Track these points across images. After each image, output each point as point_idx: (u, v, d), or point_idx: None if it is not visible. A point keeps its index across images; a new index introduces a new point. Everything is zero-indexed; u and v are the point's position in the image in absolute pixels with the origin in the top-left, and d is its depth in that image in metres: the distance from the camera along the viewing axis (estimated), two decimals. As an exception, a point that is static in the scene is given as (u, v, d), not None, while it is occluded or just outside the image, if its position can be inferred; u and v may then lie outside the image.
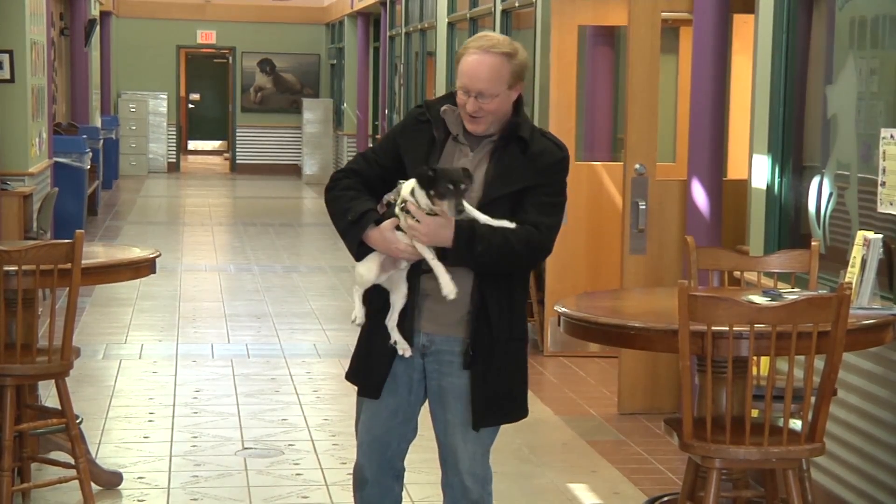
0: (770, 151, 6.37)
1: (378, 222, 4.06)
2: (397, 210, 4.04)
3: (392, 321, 4.13)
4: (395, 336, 4.13)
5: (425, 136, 4.11)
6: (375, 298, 4.15)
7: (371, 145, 4.17)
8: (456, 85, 4.05)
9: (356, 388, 4.25)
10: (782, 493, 4.54)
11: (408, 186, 4.03)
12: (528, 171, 4.04)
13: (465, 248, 3.96)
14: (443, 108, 4.10)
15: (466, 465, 4.14)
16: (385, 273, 4.11)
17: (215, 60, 32.72)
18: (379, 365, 4.14)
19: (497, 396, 4.11)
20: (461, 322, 4.09)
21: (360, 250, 4.08)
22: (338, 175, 4.21)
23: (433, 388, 4.16)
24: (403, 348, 4.13)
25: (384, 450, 4.18)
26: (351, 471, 4.31)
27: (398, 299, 4.12)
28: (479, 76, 3.98)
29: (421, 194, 3.98)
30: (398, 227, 4.03)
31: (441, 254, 4.01)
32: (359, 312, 4.19)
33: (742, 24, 8.38)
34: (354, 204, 4.09)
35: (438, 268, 4.01)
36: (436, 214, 3.97)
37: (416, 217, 3.99)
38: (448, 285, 4.00)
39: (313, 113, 26.70)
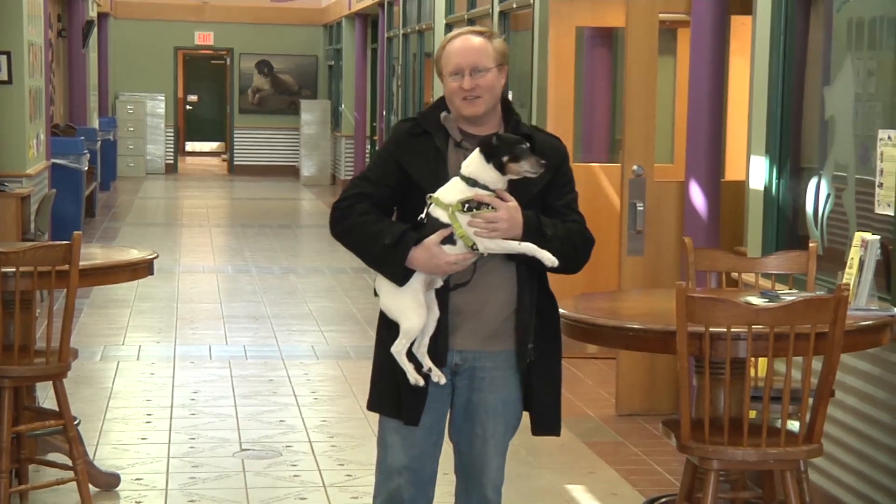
0: (768, 153, 6.37)
1: (417, 241, 3.88)
2: (456, 214, 3.82)
3: (423, 348, 3.94)
4: (428, 363, 3.94)
5: (427, 148, 3.98)
6: (382, 325, 4.03)
7: (365, 170, 4.19)
8: (446, 73, 3.97)
9: (379, 414, 4.11)
10: (780, 494, 4.54)
11: (451, 192, 3.85)
12: (544, 169, 3.95)
13: (537, 233, 3.85)
14: (442, 115, 4.01)
15: (492, 477, 4.11)
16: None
17: (213, 62, 32.70)
18: (415, 394, 3.97)
19: (556, 402, 4.11)
20: (496, 334, 3.99)
21: (405, 274, 3.88)
22: (345, 202, 3.98)
23: (460, 402, 4.07)
24: (439, 376, 3.95)
25: (420, 471, 4.08)
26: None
27: (430, 322, 3.94)
28: (470, 50, 3.93)
29: (492, 175, 3.82)
30: (444, 242, 3.85)
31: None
32: (415, 372, 3.94)
33: (740, 26, 8.38)
34: (384, 226, 3.91)
35: (530, 247, 3.84)
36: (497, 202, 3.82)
37: (490, 208, 3.80)
38: (548, 255, 3.84)
39: (311, 114, 26.69)
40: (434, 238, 3.85)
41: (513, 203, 3.84)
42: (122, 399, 7.92)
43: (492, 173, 3.83)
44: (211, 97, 33.54)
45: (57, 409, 5.59)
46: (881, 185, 5.25)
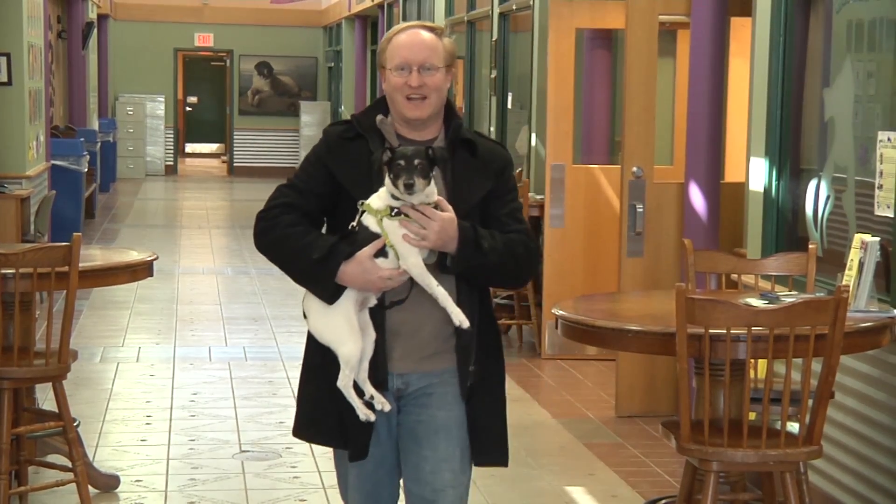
0: (767, 154, 6.37)
1: (348, 255, 3.55)
2: (383, 221, 3.52)
3: (364, 373, 3.61)
4: (370, 390, 3.61)
5: (360, 153, 3.64)
6: (315, 349, 3.69)
7: (292, 177, 3.83)
8: (389, 67, 3.67)
9: (320, 445, 3.88)
10: (780, 496, 4.54)
11: (381, 198, 3.55)
12: (485, 177, 3.67)
13: (472, 247, 3.54)
14: (378, 119, 3.69)
15: None
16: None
17: (213, 63, 32.70)
18: (360, 426, 3.64)
19: (501, 427, 3.77)
20: (436, 355, 3.67)
21: (335, 291, 3.55)
22: (270, 213, 3.66)
23: (407, 426, 3.71)
24: (382, 402, 3.62)
25: (381, 501, 3.80)
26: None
27: (368, 345, 3.60)
28: (419, 46, 3.64)
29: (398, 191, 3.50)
30: (376, 255, 3.54)
31: (437, 265, 3.58)
32: (365, 408, 3.61)
33: (739, 28, 8.39)
34: (313, 239, 3.59)
35: (445, 297, 3.54)
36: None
37: (419, 216, 3.50)
38: (459, 313, 3.55)
39: (311, 116, 26.70)
40: (367, 251, 3.54)
41: (448, 214, 3.52)
42: (121, 400, 7.91)
43: (397, 191, 3.52)
44: (211, 99, 33.54)
45: (56, 410, 5.59)
46: (881, 186, 5.25)
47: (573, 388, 8.36)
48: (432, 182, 3.52)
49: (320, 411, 3.72)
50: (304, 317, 3.67)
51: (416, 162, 3.47)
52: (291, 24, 28.15)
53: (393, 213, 3.51)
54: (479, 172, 3.67)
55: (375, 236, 3.54)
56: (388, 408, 3.64)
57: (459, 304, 3.59)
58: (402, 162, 3.46)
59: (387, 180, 3.52)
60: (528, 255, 3.67)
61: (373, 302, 3.59)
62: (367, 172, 3.60)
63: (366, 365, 3.61)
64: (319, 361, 3.68)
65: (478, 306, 3.68)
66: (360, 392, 3.62)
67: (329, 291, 3.56)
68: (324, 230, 3.71)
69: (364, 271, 3.53)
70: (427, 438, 3.69)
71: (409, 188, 3.46)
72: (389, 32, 3.75)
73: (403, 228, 3.51)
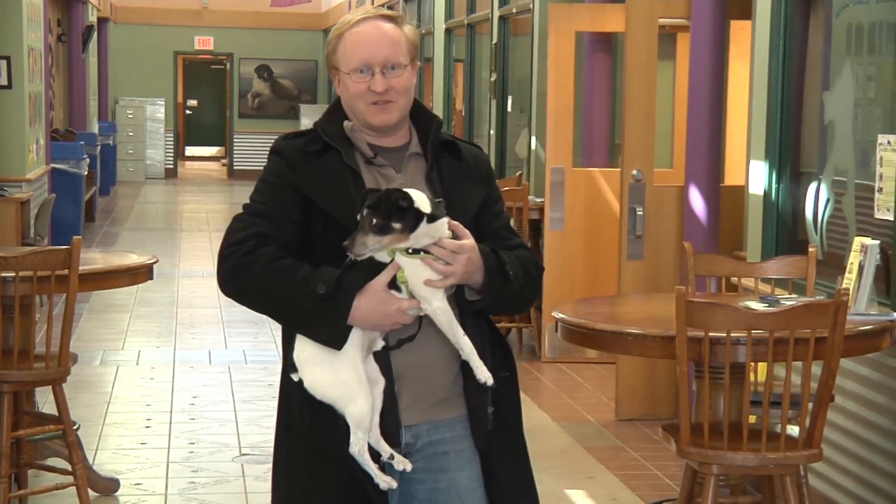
0: (767, 157, 6.37)
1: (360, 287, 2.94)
2: (397, 256, 2.93)
3: (376, 429, 2.97)
4: (387, 449, 2.99)
5: (333, 168, 3.04)
6: (300, 406, 3.02)
7: (254, 204, 3.09)
8: (345, 70, 3.06)
9: None
10: (780, 499, 4.54)
11: None
12: (475, 183, 3.14)
13: (499, 275, 3.00)
14: (347, 125, 3.09)
15: None
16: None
17: (213, 66, 32.70)
18: (378, 496, 3.01)
19: (528, 477, 3.17)
20: (448, 398, 3.07)
21: (345, 333, 2.94)
22: (243, 247, 2.97)
23: (423, 495, 3.07)
24: (403, 462, 3.01)
25: None
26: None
27: (377, 396, 2.97)
28: (381, 42, 3.03)
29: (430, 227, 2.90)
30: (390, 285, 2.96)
31: (455, 298, 3.01)
32: (384, 475, 2.98)
33: (739, 31, 8.38)
34: (309, 273, 2.93)
35: (471, 349, 2.98)
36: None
37: (441, 252, 2.92)
38: (485, 369, 2.98)
39: (311, 119, 26.51)
40: (382, 279, 2.93)
41: (469, 241, 2.95)
42: (121, 404, 7.91)
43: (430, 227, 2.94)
44: (211, 102, 33.53)
45: (56, 413, 5.59)
46: (880, 189, 5.25)
47: (573, 392, 8.36)
48: (439, 219, 2.93)
49: (317, 485, 3.04)
50: (291, 371, 3.01)
51: (373, 222, 2.87)
52: (291, 27, 28.15)
53: (410, 251, 2.92)
54: (469, 179, 3.13)
55: (382, 266, 2.95)
56: (409, 467, 3.01)
57: (465, 333, 3.00)
58: (358, 217, 2.90)
59: None
60: (539, 275, 3.17)
61: (379, 345, 2.99)
62: (348, 190, 3.00)
63: (377, 420, 2.97)
64: (309, 423, 3.02)
65: (487, 334, 3.11)
66: (374, 455, 3.00)
67: (340, 333, 2.92)
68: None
69: (380, 303, 2.92)
70: None
71: (349, 249, 2.89)
72: (338, 25, 3.12)
73: (425, 266, 2.93)
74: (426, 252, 2.92)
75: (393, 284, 2.94)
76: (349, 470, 2.98)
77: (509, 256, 3.04)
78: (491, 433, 3.08)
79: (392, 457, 2.99)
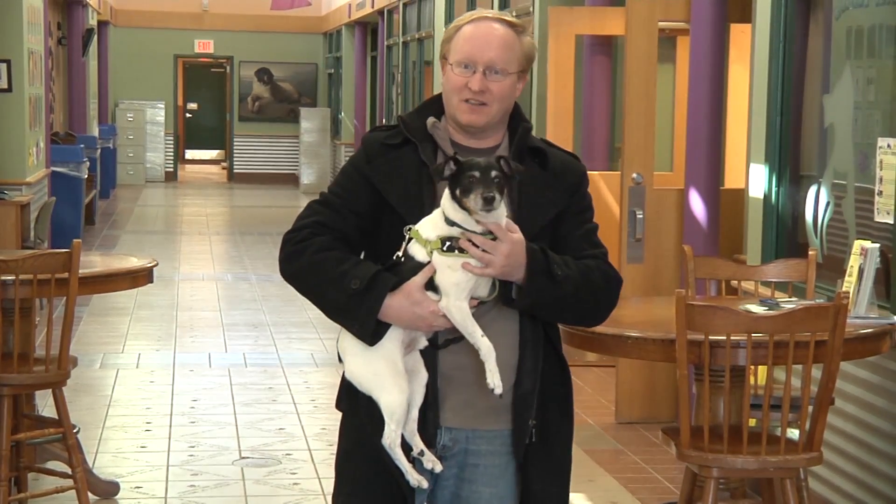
0: (767, 160, 6.37)
1: (395, 286, 2.96)
2: (436, 254, 2.93)
3: (413, 424, 3.01)
4: (419, 444, 3.02)
5: (409, 163, 3.06)
6: (361, 396, 3.06)
7: (327, 192, 3.11)
8: (451, 61, 3.07)
9: None
10: (780, 502, 4.53)
11: (432, 224, 2.97)
12: (557, 193, 3.11)
13: (544, 275, 2.96)
14: (430, 122, 3.11)
15: None
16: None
17: (213, 70, 32.73)
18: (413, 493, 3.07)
19: (563, 495, 3.18)
20: (494, 408, 3.06)
21: (377, 329, 2.97)
22: (300, 234, 3.05)
23: (443, 499, 3.13)
24: (434, 461, 3.04)
25: None
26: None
27: (417, 390, 3.01)
28: (489, 43, 3.02)
29: (461, 214, 2.92)
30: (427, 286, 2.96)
31: (500, 297, 3.00)
32: (415, 472, 3.02)
33: (739, 34, 8.39)
34: (351, 266, 2.98)
35: (488, 350, 2.95)
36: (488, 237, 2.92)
37: (480, 240, 2.91)
38: (496, 375, 2.95)
39: (311, 122, 26.70)
40: (417, 280, 2.94)
41: (517, 236, 2.94)
42: (121, 407, 7.91)
43: (459, 211, 2.93)
44: (211, 105, 33.56)
45: (56, 417, 5.59)
46: (880, 193, 5.25)
47: (573, 394, 8.35)
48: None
49: (367, 468, 3.15)
50: (339, 360, 3.11)
51: (492, 174, 2.88)
52: (291, 31, 28.15)
53: (445, 248, 2.93)
54: (550, 188, 3.10)
55: (422, 266, 2.98)
56: (439, 468, 3.05)
57: (522, 344, 3.04)
58: (475, 173, 2.88)
59: (445, 200, 2.95)
60: (607, 285, 3.10)
61: (423, 344, 3.01)
62: (418, 187, 3.04)
63: (415, 414, 3.01)
64: (354, 412, 3.15)
65: (542, 348, 3.10)
66: (406, 448, 3.02)
67: (369, 329, 2.96)
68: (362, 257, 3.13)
69: (413, 304, 2.94)
70: None
71: (489, 203, 2.86)
72: (459, 19, 3.13)
73: (457, 265, 2.92)
74: (461, 251, 2.93)
75: (430, 286, 2.96)
76: (382, 461, 3.04)
77: (565, 261, 3.03)
78: (529, 447, 3.09)
79: (422, 453, 3.02)
